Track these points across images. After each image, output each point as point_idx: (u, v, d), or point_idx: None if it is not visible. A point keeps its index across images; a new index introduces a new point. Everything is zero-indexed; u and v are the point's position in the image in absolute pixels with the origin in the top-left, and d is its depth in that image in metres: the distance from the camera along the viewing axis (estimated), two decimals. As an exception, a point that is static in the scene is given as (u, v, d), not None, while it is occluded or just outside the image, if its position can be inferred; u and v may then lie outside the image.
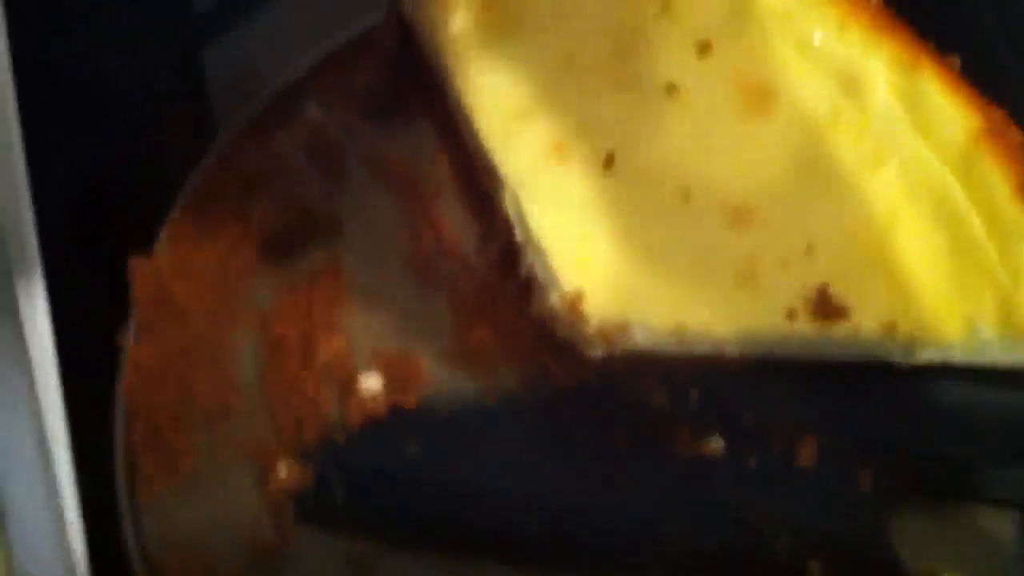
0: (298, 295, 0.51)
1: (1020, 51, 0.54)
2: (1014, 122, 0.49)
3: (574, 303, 0.47)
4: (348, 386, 0.50)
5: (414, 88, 0.54)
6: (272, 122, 0.54)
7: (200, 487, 0.49)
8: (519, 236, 0.49)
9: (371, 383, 0.50)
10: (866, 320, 0.47)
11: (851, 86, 0.50)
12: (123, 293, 0.51)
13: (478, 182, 0.52)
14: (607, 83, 0.50)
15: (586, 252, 0.48)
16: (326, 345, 0.50)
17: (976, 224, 0.48)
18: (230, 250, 0.52)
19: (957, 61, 0.50)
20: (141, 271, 0.51)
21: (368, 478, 0.49)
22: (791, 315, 0.47)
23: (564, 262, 0.47)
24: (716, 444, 0.48)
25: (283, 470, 0.49)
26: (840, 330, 0.47)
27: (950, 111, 0.49)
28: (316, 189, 0.53)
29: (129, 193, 0.54)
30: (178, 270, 0.51)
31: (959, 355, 0.48)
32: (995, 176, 0.48)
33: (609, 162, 0.49)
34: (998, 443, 0.48)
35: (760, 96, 0.50)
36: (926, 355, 0.48)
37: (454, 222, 0.52)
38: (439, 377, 0.50)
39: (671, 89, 0.50)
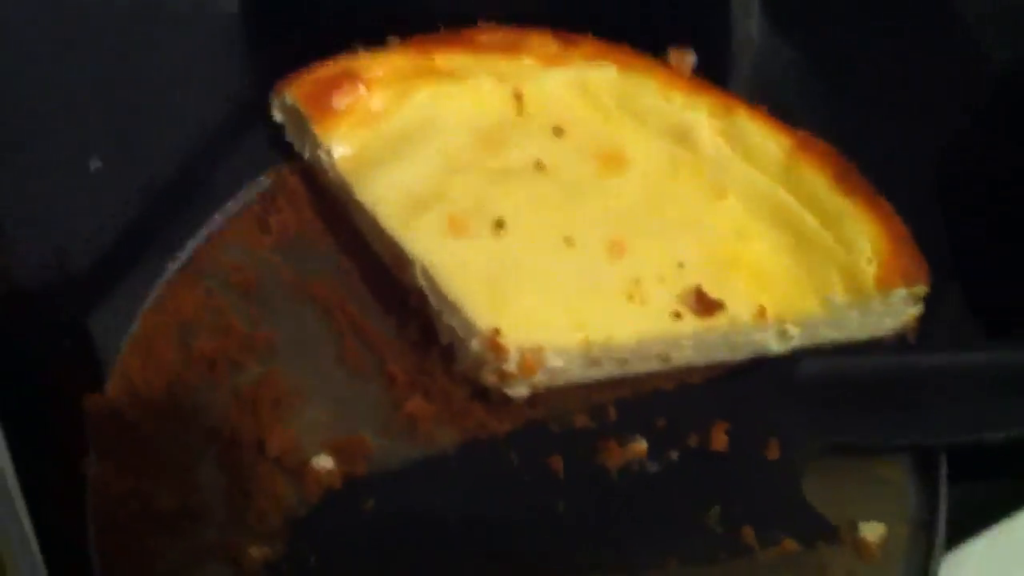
0: (243, 404, 0.56)
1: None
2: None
3: (493, 340, 0.53)
4: (301, 469, 0.54)
5: (321, 218, 0.62)
6: (200, 270, 0.61)
7: (178, 584, 0.52)
8: (434, 304, 0.56)
9: (323, 463, 0.55)
10: (739, 310, 0.55)
11: (683, 138, 0.61)
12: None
13: (388, 282, 0.59)
14: (483, 170, 0.60)
15: (495, 298, 0.55)
16: (275, 440, 0.55)
17: (809, 218, 0.58)
18: (175, 378, 0.57)
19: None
20: (94, 405, 0.56)
21: (334, 541, 0.53)
22: (677, 316, 0.55)
23: (478, 310, 0.54)
24: (640, 446, 0.54)
25: (255, 552, 0.52)
26: (720, 322, 0.55)
27: (765, 139, 0.60)
28: (245, 317, 0.59)
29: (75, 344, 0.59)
30: (129, 400, 0.56)
31: (825, 332, 0.56)
32: (813, 177, 0.58)
33: (499, 226, 0.57)
34: (871, 401, 0.56)
35: (612, 159, 0.61)
36: (797, 337, 0.56)
37: (373, 318, 0.59)
38: (384, 449, 0.55)
39: (538, 166, 0.60)
